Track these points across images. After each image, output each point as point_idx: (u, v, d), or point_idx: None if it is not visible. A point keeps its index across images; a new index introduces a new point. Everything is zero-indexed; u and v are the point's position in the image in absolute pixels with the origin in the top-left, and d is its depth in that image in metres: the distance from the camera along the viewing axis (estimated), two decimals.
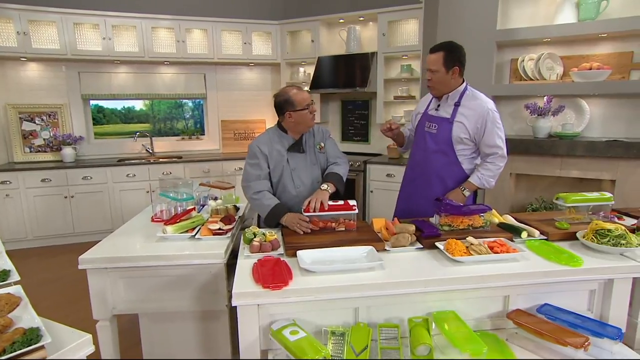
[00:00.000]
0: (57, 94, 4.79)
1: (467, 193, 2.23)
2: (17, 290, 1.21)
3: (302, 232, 1.89)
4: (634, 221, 2.02)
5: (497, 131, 2.18)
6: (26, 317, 1.09)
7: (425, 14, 4.11)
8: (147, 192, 4.67)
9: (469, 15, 3.58)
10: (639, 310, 1.62)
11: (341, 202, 1.97)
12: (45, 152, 4.75)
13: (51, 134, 4.76)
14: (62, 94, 4.82)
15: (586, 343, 1.36)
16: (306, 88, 5.15)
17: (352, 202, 1.96)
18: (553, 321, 1.50)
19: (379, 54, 4.58)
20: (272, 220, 2.05)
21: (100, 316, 1.79)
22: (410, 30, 4.50)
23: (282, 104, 2.11)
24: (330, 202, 1.97)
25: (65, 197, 4.44)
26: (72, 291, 3.36)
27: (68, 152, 4.67)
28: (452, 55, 2.15)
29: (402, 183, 2.56)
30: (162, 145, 5.34)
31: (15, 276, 1.29)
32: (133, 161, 4.80)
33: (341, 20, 4.88)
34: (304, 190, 2.20)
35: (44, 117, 4.74)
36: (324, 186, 2.08)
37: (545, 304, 1.60)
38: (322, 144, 2.29)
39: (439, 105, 2.29)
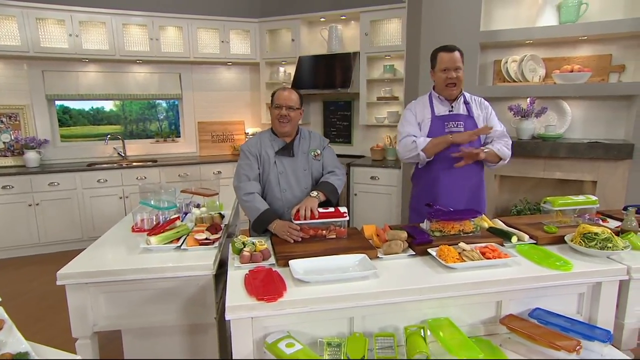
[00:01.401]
0: (18, 94, 4.63)
1: (483, 155, 2.27)
2: None
3: (292, 241, 1.91)
4: (618, 223, 2.13)
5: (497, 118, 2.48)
6: (11, 340, 1.06)
7: (409, 13, 4.18)
8: (120, 198, 4.57)
9: (452, 16, 3.68)
10: (625, 312, 1.72)
11: (331, 209, 2.00)
12: (6, 156, 4.58)
13: (12, 137, 4.59)
14: (24, 94, 4.66)
15: (578, 347, 1.43)
16: None
17: (342, 209, 1.99)
18: (545, 325, 1.58)
19: (362, 54, 4.64)
20: (259, 225, 2.06)
21: (80, 334, 1.75)
22: (393, 30, 4.58)
23: (271, 98, 2.27)
24: (321, 210, 1.99)
25: (30, 205, 4.29)
26: (40, 306, 3.26)
27: (31, 156, 4.52)
28: (463, 56, 2.33)
29: (435, 189, 2.44)
30: (135, 148, 5.24)
31: None
32: (104, 165, 4.70)
33: (322, 19, 4.92)
34: (290, 195, 2.22)
35: (4, 119, 4.57)
36: (314, 193, 2.11)
37: (537, 309, 1.67)
38: (319, 151, 2.31)
39: (452, 107, 2.40)
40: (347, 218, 2.00)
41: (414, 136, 2.38)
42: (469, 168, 2.34)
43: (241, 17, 5.06)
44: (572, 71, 3.29)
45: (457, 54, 2.29)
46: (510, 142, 2.43)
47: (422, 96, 2.52)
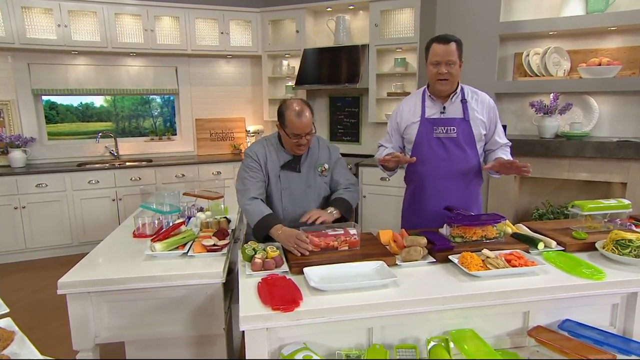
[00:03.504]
0: (2, 88, 4.67)
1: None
2: (7, 323, 1.21)
3: (299, 254, 1.84)
4: None
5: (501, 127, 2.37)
6: (24, 353, 1.09)
7: (422, 3, 4.23)
8: (113, 200, 4.61)
9: (470, 6, 3.72)
10: None
11: (341, 231, 1.98)
12: None
13: None
14: (9, 88, 4.70)
15: None
16: (290, 83, 5.20)
17: (352, 231, 1.96)
18: (576, 338, 1.60)
19: (371, 47, 4.66)
20: (261, 230, 2.02)
21: (81, 346, 1.79)
22: (405, 21, 4.60)
23: (279, 115, 2.16)
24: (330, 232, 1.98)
25: (16, 208, 4.33)
26: (31, 317, 3.30)
27: (17, 155, 4.56)
28: (461, 48, 2.22)
29: (423, 195, 2.43)
30: (128, 147, 5.29)
31: (2, 308, 1.29)
32: (95, 165, 4.75)
33: (329, 9, 4.96)
34: (292, 212, 2.23)
35: None
36: (330, 209, 2.11)
37: (567, 320, 1.70)
38: (326, 166, 2.28)
39: (444, 108, 2.30)
40: (357, 239, 1.96)
41: (385, 147, 2.48)
42: (461, 174, 2.32)
43: (242, 7, 5.09)
44: (600, 64, 3.32)
45: (452, 45, 2.15)
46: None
47: (417, 91, 2.42)
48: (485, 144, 2.39)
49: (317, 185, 2.28)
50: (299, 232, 1.89)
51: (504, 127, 3.74)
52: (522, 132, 3.92)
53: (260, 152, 2.22)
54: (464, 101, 2.28)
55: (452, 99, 2.28)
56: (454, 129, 2.28)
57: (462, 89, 2.31)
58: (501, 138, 2.36)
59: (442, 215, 2.27)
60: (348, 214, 2.20)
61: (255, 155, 2.21)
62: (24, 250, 4.43)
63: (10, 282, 3.97)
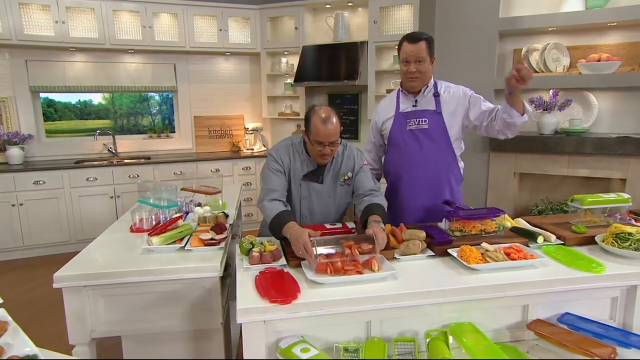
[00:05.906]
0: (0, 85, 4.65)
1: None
2: (1, 314, 1.20)
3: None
4: None
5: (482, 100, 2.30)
6: (18, 343, 1.08)
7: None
8: (111, 197, 4.61)
9: (469, 2, 3.70)
10: None
11: (339, 225, 1.96)
12: None
13: None
14: (7, 85, 4.69)
15: (613, 354, 1.45)
16: (289, 80, 5.19)
17: (350, 225, 1.94)
18: (576, 331, 1.59)
19: (370, 44, 4.67)
20: (276, 226, 1.94)
21: (78, 340, 1.78)
22: (404, 17, 4.60)
23: (306, 120, 2.10)
24: (328, 225, 1.97)
25: (13, 205, 4.32)
26: (27, 314, 3.29)
27: (15, 152, 4.55)
28: (432, 45, 2.25)
29: (399, 187, 2.48)
30: (127, 144, 5.28)
31: None
32: (94, 163, 4.74)
33: (328, 6, 4.95)
34: (309, 222, 2.21)
35: None
36: (378, 219, 1.94)
37: (566, 313, 1.69)
38: (350, 175, 2.22)
39: (416, 101, 2.34)
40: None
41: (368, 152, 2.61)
42: (434, 165, 2.34)
43: (240, 4, 5.08)
44: (599, 60, 3.31)
45: (421, 44, 2.17)
46: None
47: (394, 90, 2.47)
48: (482, 121, 2.28)
49: (338, 195, 2.25)
50: (307, 241, 1.69)
51: None
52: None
53: (285, 159, 2.16)
54: (436, 95, 2.33)
55: (424, 92, 2.33)
56: (425, 120, 2.33)
57: (435, 84, 2.35)
58: (488, 106, 2.26)
59: (419, 208, 2.39)
60: (385, 219, 2.07)
61: (280, 160, 2.15)
62: (21, 247, 4.42)
63: (7, 279, 3.96)
